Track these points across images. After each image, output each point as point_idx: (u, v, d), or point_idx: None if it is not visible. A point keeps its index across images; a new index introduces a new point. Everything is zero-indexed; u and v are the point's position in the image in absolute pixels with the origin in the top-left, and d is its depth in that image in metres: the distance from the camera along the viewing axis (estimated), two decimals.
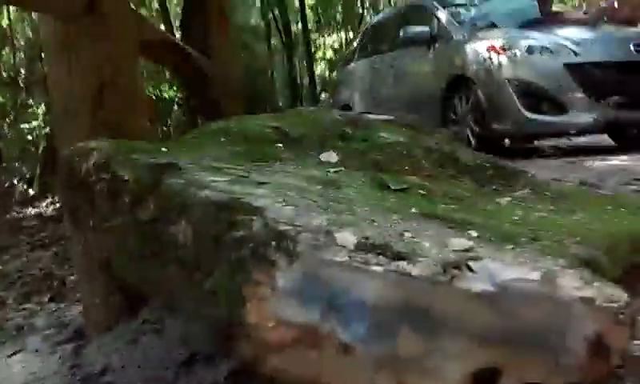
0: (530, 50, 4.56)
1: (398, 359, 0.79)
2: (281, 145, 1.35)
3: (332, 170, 1.25)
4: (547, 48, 4.52)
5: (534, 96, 4.44)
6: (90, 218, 1.19)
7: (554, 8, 5.84)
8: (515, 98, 4.50)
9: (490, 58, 4.69)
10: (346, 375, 0.81)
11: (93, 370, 1.30)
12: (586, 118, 4.35)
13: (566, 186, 1.66)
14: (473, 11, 5.50)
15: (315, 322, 0.77)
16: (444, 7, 5.67)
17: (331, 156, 1.36)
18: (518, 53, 4.58)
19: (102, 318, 1.49)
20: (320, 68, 17.63)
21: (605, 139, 5.13)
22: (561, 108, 4.36)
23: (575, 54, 4.43)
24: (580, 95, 4.35)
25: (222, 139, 1.33)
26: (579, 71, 4.36)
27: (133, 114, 1.53)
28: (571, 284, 0.77)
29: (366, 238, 0.79)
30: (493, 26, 5.06)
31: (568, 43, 4.51)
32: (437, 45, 5.39)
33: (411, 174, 1.34)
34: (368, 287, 0.74)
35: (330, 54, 17.49)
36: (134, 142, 1.28)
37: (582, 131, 4.68)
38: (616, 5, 4.94)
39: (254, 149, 1.28)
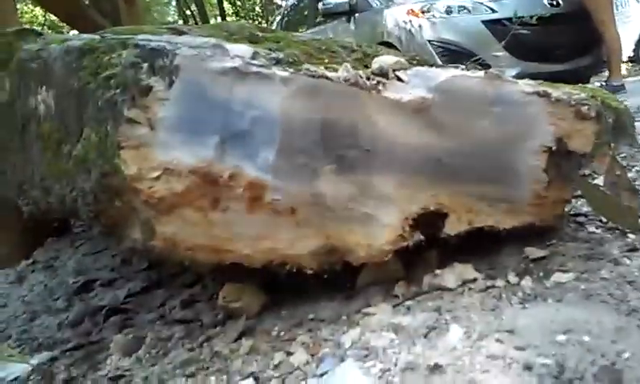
0: (448, 10, 4.56)
1: (322, 205, 0.63)
2: None
3: None
4: (465, 7, 4.54)
5: (456, 54, 4.43)
6: None
7: None
8: (438, 58, 4.47)
9: (411, 22, 4.68)
10: (260, 233, 0.64)
11: None
12: (508, 72, 4.38)
13: None
14: None
15: (210, 158, 0.59)
16: None
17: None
18: (437, 14, 4.58)
19: None
20: None
21: None
22: (482, 64, 4.37)
23: (493, 10, 4.47)
24: (500, 51, 4.38)
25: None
26: (498, 27, 4.38)
27: None
28: (521, 82, 0.63)
29: (269, 52, 0.62)
30: None
31: (485, 1, 4.54)
32: (356, 15, 5.34)
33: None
34: (275, 98, 0.57)
35: None
36: None
37: None
38: None
39: None
